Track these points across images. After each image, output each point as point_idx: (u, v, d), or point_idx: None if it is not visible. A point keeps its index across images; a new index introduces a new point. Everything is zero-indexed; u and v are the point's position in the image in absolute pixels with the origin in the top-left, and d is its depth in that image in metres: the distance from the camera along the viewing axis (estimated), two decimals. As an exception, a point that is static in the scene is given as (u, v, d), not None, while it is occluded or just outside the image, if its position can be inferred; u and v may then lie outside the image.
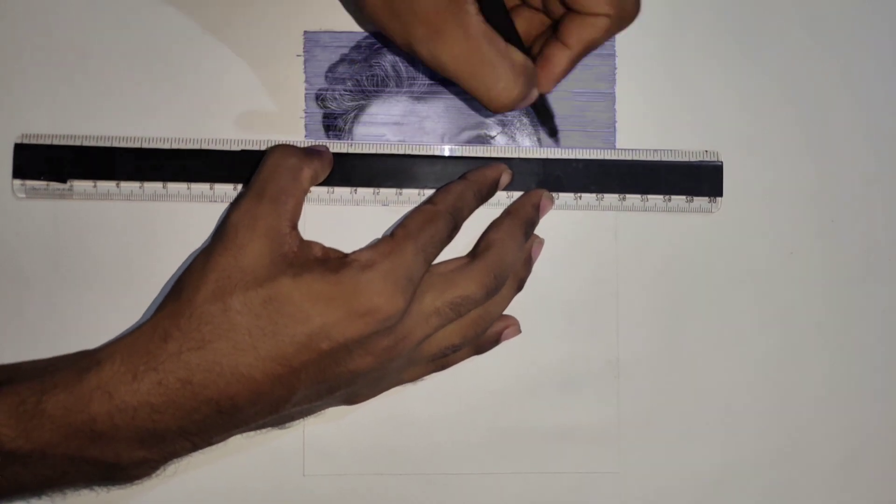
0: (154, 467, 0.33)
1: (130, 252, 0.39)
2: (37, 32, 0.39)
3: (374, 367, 0.33)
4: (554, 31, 0.34)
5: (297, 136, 0.39)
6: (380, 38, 0.39)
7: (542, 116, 0.39)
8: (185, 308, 0.32)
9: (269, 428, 0.35)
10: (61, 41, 0.39)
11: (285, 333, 0.31)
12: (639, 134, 0.40)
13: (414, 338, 0.34)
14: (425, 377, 0.37)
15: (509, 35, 0.33)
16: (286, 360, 0.31)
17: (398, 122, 0.40)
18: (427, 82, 0.40)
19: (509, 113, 0.40)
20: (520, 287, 0.38)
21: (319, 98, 0.39)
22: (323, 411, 0.37)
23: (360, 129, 0.40)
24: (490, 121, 0.40)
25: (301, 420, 0.36)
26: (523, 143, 0.40)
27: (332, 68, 0.40)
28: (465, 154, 0.39)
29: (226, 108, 0.39)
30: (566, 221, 0.40)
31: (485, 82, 0.32)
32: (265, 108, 0.39)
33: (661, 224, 0.40)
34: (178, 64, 0.39)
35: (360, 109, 0.40)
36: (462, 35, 0.31)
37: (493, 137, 0.40)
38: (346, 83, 0.40)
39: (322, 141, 0.39)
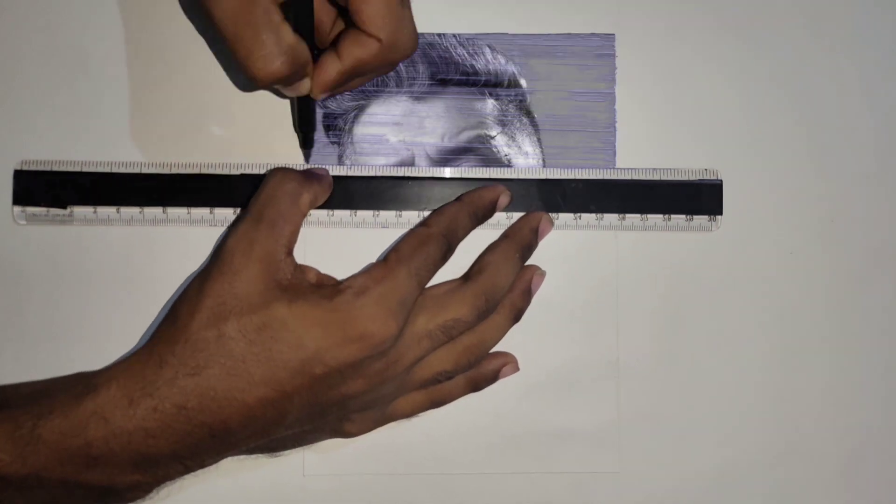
0: (147, 490, 0.33)
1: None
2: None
3: (366, 390, 0.34)
4: (334, 42, 0.34)
5: (297, 138, 0.39)
6: None
7: (303, 121, 0.38)
8: (180, 334, 0.32)
9: (260, 454, 0.36)
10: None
11: (279, 359, 0.32)
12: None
13: (405, 360, 0.34)
14: (420, 413, 0.38)
15: (301, 24, 0.33)
16: (279, 386, 0.32)
17: (398, 122, 0.40)
18: (427, 82, 0.40)
19: (509, 113, 0.40)
20: (517, 318, 0.38)
21: (319, 98, 0.39)
22: (315, 444, 0.37)
23: (360, 129, 0.40)
24: (490, 121, 0.40)
25: (291, 450, 0.37)
26: (523, 144, 0.40)
27: (332, 68, 0.39)
28: (466, 175, 0.39)
29: (226, 109, 0.39)
30: (567, 228, 0.40)
31: (246, 47, 0.32)
32: (265, 108, 0.39)
33: (663, 229, 0.40)
34: (178, 65, 0.39)
35: (360, 109, 0.40)
36: None
37: (493, 137, 0.40)
38: (346, 83, 0.40)
39: (322, 141, 0.39)
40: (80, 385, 0.32)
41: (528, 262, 0.39)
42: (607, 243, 0.40)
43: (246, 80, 0.33)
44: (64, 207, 0.38)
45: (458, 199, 0.38)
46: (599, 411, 0.40)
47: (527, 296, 0.38)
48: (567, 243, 0.40)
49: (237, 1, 0.31)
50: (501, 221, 0.39)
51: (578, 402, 0.40)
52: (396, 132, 0.40)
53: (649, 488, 0.40)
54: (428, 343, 0.35)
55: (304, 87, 0.34)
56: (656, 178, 0.39)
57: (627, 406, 0.40)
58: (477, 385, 0.38)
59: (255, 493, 0.39)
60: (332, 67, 0.34)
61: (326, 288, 0.33)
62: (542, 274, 0.39)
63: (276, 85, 0.34)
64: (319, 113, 0.39)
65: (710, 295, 0.40)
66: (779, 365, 0.40)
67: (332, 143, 0.39)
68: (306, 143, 0.39)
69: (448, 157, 0.40)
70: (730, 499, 0.40)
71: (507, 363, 0.38)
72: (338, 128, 0.40)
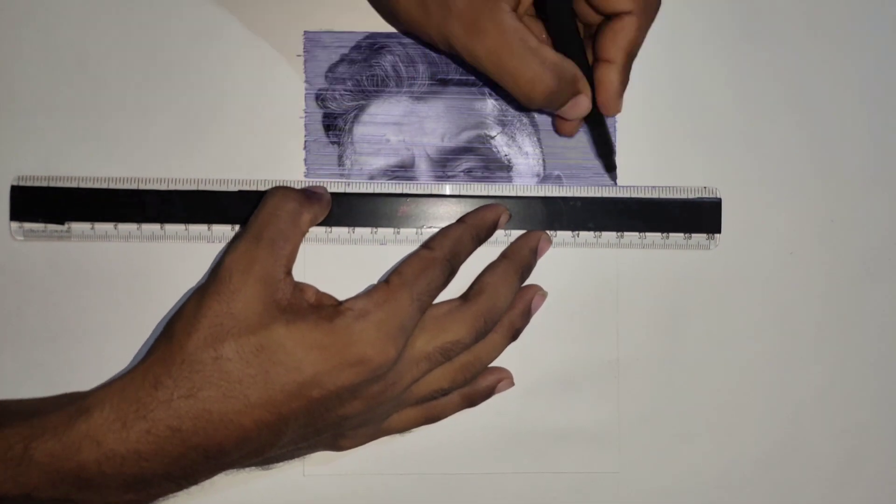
0: None
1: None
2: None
3: (363, 411, 0.34)
4: (594, 52, 0.35)
5: (296, 138, 0.39)
6: (413, 36, 0.39)
7: (600, 146, 0.39)
8: (176, 354, 0.31)
9: (253, 468, 0.36)
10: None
11: (276, 382, 0.31)
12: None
13: (403, 382, 0.34)
14: (415, 428, 0.37)
15: (565, 42, 0.35)
16: (276, 408, 0.31)
17: (398, 122, 0.40)
18: (427, 82, 0.40)
19: (509, 113, 0.40)
20: (514, 336, 0.38)
21: (319, 98, 0.39)
22: (308, 455, 0.37)
23: (360, 129, 0.40)
24: (490, 121, 0.40)
25: (285, 462, 0.37)
26: (523, 144, 0.40)
27: (332, 68, 0.40)
28: (465, 193, 0.39)
29: (226, 110, 0.39)
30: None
31: (513, 74, 0.33)
32: (265, 108, 0.39)
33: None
34: (178, 65, 0.39)
35: (360, 109, 0.40)
36: (494, 30, 0.32)
37: (493, 137, 0.40)
38: (346, 83, 0.40)
39: (322, 141, 0.39)
40: (73, 406, 0.31)
41: (530, 281, 0.39)
42: (609, 246, 0.40)
43: (523, 105, 0.35)
44: (61, 223, 0.38)
45: (461, 220, 0.38)
46: (599, 411, 0.40)
47: (526, 316, 0.38)
48: (562, 250, 0.39)
49: (497, 38, 0.32)
50: (499, 239, 0.39)
51: (578, 402, 0.40)
52: (396, 132, 0.40)
53: (649, 488, 0.40)
54: (426, 365, 0.34)
55: (583, 104, 0.35)
56: (655, 196, 0.39)
57: (627, 406, 0.40)
58: (472, 401, 0.38)
59: (256, 493, 0.39)
60: (609, 74, 0.35)
61: (326, 309, 0.33)
62: (544, 295, 0.39)
63: (552, 105, 0.35)
64: (319, 113, 0.39)
65: (710, 295, 0.40)
66: (778, 365, 0.40)
67: (332, 143, 0.39)
68: (608, 167, 0.39)
69: (448, 157, 0.40)
70: (730, 499, 0.40)
71: (503, 378, 0.38)
72: (338, 128, 0.40)
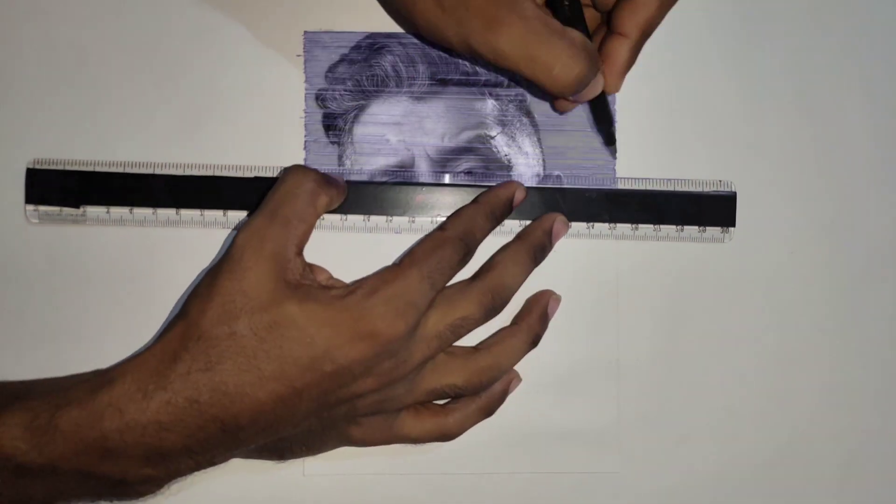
0: (159, 485, 0.34)
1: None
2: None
3: (375, 389, 0.34)
4: (608, 25, 0.34)
5: (296, 138, 0.39)
6: (428, 41, 0.38)
7: (601, 121, 0.38)
8: (192, 330, 0.32)
9: (268, 457, 0.36)
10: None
11: (289, 356, 0.32)
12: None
13: (414, 360, 0.34)
14: (429, 442, 0.37)
15: (576, 22, 0.33)
16: (290, 382, 0.32)
17: (398, 122, 0.40)
18: (427, 82, 0.40)
19: (509, 113, 0.40)
20: (534, 343, 0.38)
21: (319, 98, 0.39)
22: (324, 452, 0.37)
23: (359, 129, 0.40)
24: (490, 121, 0.40)
25: (301, 458, 0.37)
26: (523, 144, 0.40)
27: (332, 68, 0.40)
28: (478, 183, 0.39)
29: (226, 109, 0.39)
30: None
31: (545, 63, 0.32)
32: (265, 108, 0.39)
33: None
34: (177, 66, 0.39)
35: (360, 109, 0.40)
36: (517, 19, 0.31)
37: (493, 137, 0.40)
38: (346, 83, 0.40)
39: (322, 140, 0.39)
40: (97, 378, 0.32)
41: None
42: (609, 246, 0.40)
43: (552, 94, 0.34)
44: (77, 207, 0.38)
45: (474, 200, 0.38)
46: (600, 412, 0.40)
47: (544, 320, 0.38)
48: (569, 246, 0.39)
49: (521, 27, 0.31)
50: (514, 229, 0.39)
51: (579, 402, 0.40)
52: (396, 132, 0.40)
53: (649, 488, 0.40)
54: (437, 343, 0.35)
55: (599, 83, 0.34)
56: (670, 188, 0.39)
57: (627, 406, 0.40)
58: (490, 410, 0.38)
59: (256, 492, 0.39)
60: (621, 50, 0.34)
61: (337, 289, 0.33)
62: (558, 299, 0.39)
63: (580, 89, 0.33)
64: (319, 113, 0.39)
65: (710, 296, 0.40)
66: (778, 366, 0.40)
67: (332, 143, 0.39)
68: (609, 140, 0.38)
69: (448, 157, 0.40)
70: (730, 499, 0.40)
71: (512, 378, 0.38)
72: (338, 128, 0.40)
